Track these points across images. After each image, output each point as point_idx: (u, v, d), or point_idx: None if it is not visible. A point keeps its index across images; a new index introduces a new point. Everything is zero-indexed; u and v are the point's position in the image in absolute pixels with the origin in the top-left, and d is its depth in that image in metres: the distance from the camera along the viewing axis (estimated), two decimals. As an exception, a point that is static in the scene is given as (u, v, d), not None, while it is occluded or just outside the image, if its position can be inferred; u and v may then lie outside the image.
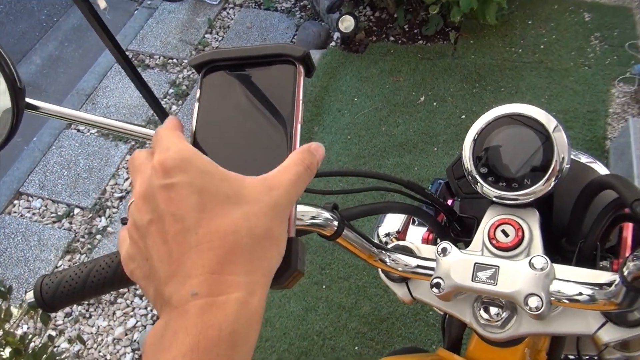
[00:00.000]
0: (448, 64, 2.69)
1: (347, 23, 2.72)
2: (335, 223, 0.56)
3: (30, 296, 0.58)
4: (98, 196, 2.59)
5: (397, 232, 0.83)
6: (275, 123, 0.41)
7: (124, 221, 0.57)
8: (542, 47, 2.69)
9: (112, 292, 2.25)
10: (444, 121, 2.47)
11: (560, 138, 0.61)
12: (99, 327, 2.19)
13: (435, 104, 2.55)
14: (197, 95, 0.44)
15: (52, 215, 2.56)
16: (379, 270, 0.71)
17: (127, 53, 3.16)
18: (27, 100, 0.58)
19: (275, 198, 0.33)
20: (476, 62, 2.67)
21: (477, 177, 0.65)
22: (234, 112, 0.43)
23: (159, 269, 0.31)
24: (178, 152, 0.33)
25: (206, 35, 3.24)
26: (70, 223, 2.53)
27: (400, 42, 2.85)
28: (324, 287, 2.05)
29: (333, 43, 2.94)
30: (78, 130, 2.87)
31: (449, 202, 0.84)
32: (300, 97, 0.42)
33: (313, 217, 0.55)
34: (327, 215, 0.56)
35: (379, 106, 2.59)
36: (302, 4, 3.30)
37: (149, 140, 0.77)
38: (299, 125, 0.41)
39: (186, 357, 0.28)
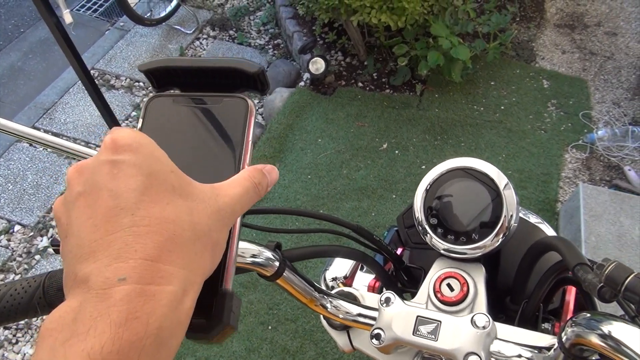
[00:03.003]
0: (412, 115, 2.75)
1: (317, 65, 2.76)
2: (277, 263, 0.53)
3: None
4: (42, 214, 2.47)
5: (345, 277, 0.81)
6: (221, 160, 0.39)
7: (53, 242, 0.53)
8: (502, 107, 2.80)
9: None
10: (405, 169, 2.50)
11: (510, 196, 0.62)
12: (24, 354, 2.04)
13: (397, 152, 2.58)
14: (139, 125, 0.41)
15: (-10, 230, 2.42)
16: (321, 316, 0.68)
17: (92, 71, 3.10)
18: None
19: (221, 204, 0.32)
20: (439, 115, 2.75)
21: (427, 227, 0.64)
22: (176, 145, 0.40)
23: (76, 244, 0.28)
24: (132, 134, 0.31)
25: (176, 62, 3.22)
26: (9, 240, 2.39)
27: (368, 88, 2.90)
28: (269, 328, 1.98)
29: (302, 83, 2.97)
30: (30, 145, 2.75)
31: (399, 250, 0.83)
32: (250, 137, 0.39)
33: (254, 255, 0.53)
34: (268, 254, 0.53)
35: (342, 149, 2.60)
36: (275, 42, 3.34)
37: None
38: (247, 167, 0.38)
39: (106, 349, 0.24)
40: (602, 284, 0.41)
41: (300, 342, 1.94)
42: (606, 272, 0.40)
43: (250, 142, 0.39)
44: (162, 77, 0.41)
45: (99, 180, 0.29)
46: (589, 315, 0.43)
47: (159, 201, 0.29)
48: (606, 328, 0.40)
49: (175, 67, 0.41)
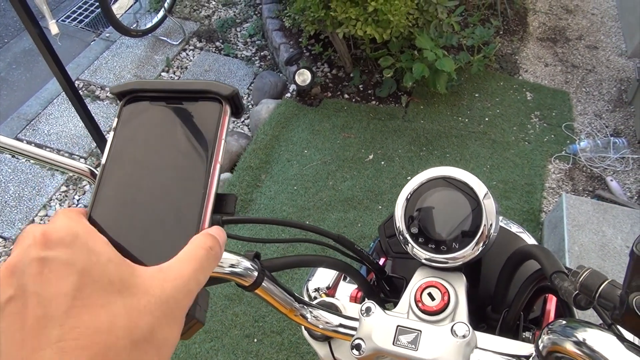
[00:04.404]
0: (398, 126, 2.77)
1: (304, 76, 2.77)
2: (255, 273, 0.53)
3: None
4: (24, 226, 2.43)
5: (327, 287, 0.80)
6: (193, 161, 0.39)
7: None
8: (487, 119, 2.83)
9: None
10: (390, 180, 2.51)
11: (489, 205, 0.62)
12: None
13: (383, 163, 2.59)
14: (114, 124, 0.41)
15: (-30, 243, 2.38)
16: (302, 326, 0.68)
17: (77, 82, 3.08)
18: None
19: (170, 292, 0.29)
20: (425, 126, 2.77)
21: (408, 237, 0.64)
22: (149, 147, 0.40)
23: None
24: (67, 224, 0.29)
25: (162, 74, 3.21)
26: (-11, 253, 2.35)
27: (354, 100, 2.92)
28: (255, 340, 1.96)
29: (289, 94, 2.98)
30: (13, 156, 2.72)
31: (382, 260, 0.83)
32: (223, 136, 0.40)
33: (232, 265, 0.52)
34: (247, 264, 0.53)
35: (328, 160, 2.61)
36: (262, 53, 3.35)
37: (73, 172, 0.73)
38: (218, 166, 0.39)
39: None
40: (577, 292, 0.41)
41: (286, 354, 1.92)
42: (580, 279, 0.40)
43: (222, 142, 0.40)
44: (132, 99, 0.42)
45: (28, 283, 0.27)
46: (564, 322, 0.43)
47: (93, 305, 0.27)
48: (581, 335, 0.40)
49: (146, 90, 0.41)
